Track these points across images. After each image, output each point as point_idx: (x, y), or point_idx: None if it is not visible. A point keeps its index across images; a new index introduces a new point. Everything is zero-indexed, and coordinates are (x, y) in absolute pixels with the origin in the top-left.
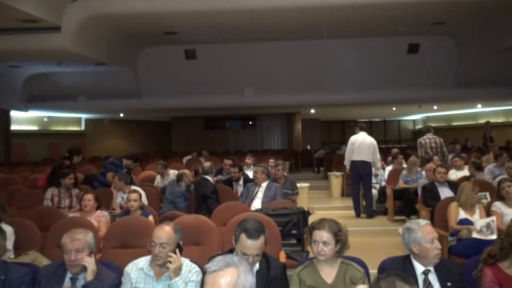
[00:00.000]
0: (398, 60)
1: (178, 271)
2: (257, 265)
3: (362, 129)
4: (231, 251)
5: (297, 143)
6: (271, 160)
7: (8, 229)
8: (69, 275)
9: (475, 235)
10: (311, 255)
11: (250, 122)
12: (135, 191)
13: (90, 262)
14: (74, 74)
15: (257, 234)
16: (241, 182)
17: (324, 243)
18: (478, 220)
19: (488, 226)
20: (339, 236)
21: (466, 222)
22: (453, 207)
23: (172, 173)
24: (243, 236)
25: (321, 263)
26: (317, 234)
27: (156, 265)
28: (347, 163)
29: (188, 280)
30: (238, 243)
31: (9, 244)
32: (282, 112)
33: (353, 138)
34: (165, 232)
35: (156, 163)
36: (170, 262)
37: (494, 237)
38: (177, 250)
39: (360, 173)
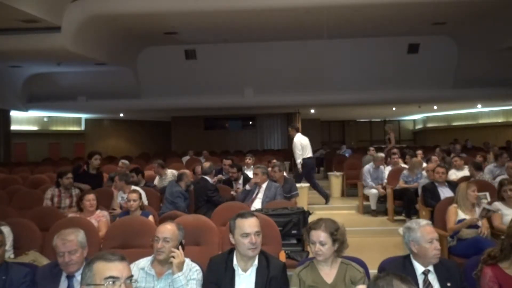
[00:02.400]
0: (398, 60)
1: (181, 266)
2: (256, 261)
3: (297, 130)
4: (231, 251)
5: None
6: (274, 161)
7: (6, 230)
8: (65, 274)
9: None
10: (311, 255)
11: (250, 122)
12: (135, 191)
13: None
14: (74, 74)
15: (250, 214)
16: (240, 181)
17: (321, 243)
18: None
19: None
20: (336, 236)
21: None
22: (451, 210)
23: (170, 172)
24: (238, 220)
25: (321, 263)
26: (314, 234)
27: (158, 261)
28: (299, 161)
29: (189, 278)
30: (235, 230)
31: (7, 244)
32: (282, 112)
33: (299, 139)
34: (168, 228)
35: (154, 162)
36: (174, 257)
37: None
38: (179, 247)
39: (311, 167)
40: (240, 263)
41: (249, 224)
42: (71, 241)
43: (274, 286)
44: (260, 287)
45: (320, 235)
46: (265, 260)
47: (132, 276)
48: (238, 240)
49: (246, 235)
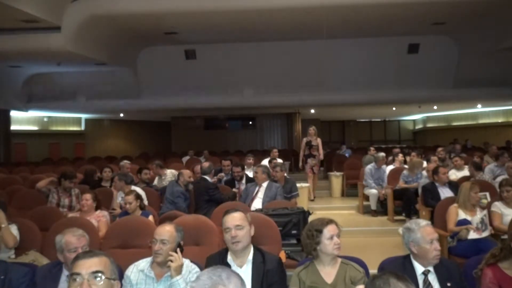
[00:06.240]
0: (398, 60)
1: (179, 269)
2: (250, 256)
3: None
4: (226, 249)
5: (297, 143)
6: (275, 160)
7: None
8: (65, 273)
9: (471, 235)
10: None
11: (250, 122)
12: (132, 191)
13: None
14: (74, 74)
15: (235, 210)
16: (243, 181)
17: (338, 234)
18: (474, 217)
19: (482, 221)
20: None
21: (465, 222)
22: (452, 209)
23: (169, 172)
24: (223, 218)
25: (321, 264)
26: (331, 229)
27: (156, 264)
28: None
29: (189, 281)
30: (222, 227)
31: None
32: (282, 112)
33: None
34: (166, 230)
35: (153, 163)
36: (171, 261)
37: (487, 233)
38: (178, 250)
39: None
40: (235, 260)
41: (231, 219)
42: (83, 236)
43: (270, 279)
44: (256, 281)
45: (336, 229)
46: (261, 255)
47: (101, 271)
48: (224, 236)
49: (228, 229)
